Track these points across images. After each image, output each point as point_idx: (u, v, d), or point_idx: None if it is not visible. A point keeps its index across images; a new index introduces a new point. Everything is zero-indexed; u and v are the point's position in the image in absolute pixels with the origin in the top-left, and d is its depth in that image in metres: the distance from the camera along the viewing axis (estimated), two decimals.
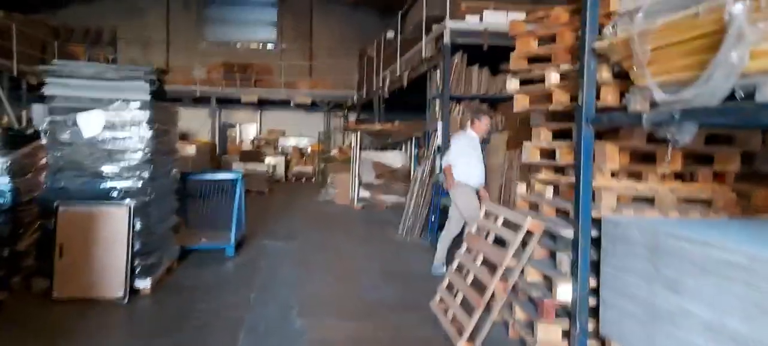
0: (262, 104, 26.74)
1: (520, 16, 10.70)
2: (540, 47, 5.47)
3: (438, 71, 10.87)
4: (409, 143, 15.08)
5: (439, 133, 10.32)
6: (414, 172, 10.79)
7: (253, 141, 25.92)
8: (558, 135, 5.57)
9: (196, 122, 24.69)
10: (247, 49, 28.66)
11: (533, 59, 5.58)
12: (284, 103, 26.10)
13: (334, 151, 19.96)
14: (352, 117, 25.75)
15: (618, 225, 4.06)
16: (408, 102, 16.90)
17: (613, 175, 4.73)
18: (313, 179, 22.77)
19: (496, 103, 11.15)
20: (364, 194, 14.52)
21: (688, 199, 4.71)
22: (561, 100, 5.15)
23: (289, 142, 26.05)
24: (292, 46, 28.63)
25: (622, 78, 4.49)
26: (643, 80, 3.82)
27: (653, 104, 3.90)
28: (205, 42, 28.10)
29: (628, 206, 4.61)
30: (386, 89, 16.23)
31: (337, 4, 28.13)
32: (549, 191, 5.19)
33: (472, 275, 5.27)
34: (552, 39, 5.40)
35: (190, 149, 17.15)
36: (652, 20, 3.62)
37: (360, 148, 15.19)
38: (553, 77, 5.17)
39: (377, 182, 14.50)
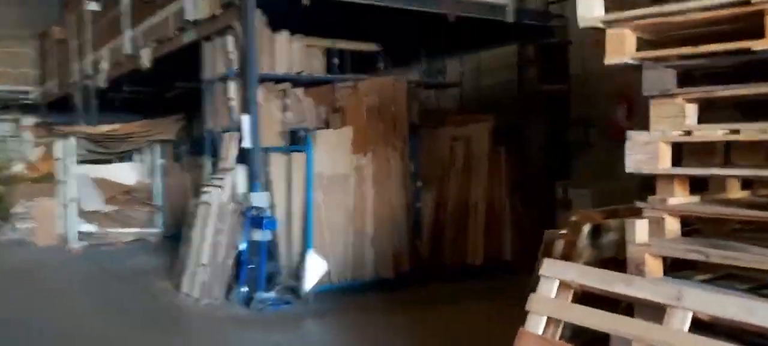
0: None
1: None
2: None
3: (229, 38, 7.08)
4: (152, 150, 10.72)
5: (247, 130, 6.60)
6: (200, 195, 6.86)
7: None
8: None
9: None
10: None
11: None
12: None
13: (20, 167, 14.00)
14: (29, 120, 19.39)
15: None
16: (140, 93, 12.39)
17: None
18: None
19: (308, 86, 7.83)
20: (88, 227, 9.75)
21: None
22: None
23: None
24: None
25: None
26: None
27: None
28: None
29: None
30: (104, 77, 11.49)
31: None
32: None
33: None
34: None
35: None
36: None
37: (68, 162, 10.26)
38: None
39: (107, 209, 9.87)
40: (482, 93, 9.25)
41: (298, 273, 6.36)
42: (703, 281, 2.70)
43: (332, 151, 6.74)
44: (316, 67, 7.83)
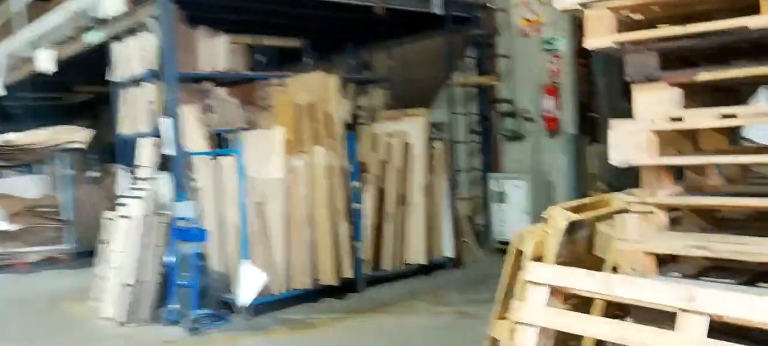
0: None
1: None
2: None
3: (142, 36, 6.52)
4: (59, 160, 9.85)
5: (168, 135, 6.07)
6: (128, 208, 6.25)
7: None
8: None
9: None
10: None
11: None
12: None
13: None
14: None
15: None
16: (40, 99, 11.41)
17: None
18: None
19: (232, 85, 7.36)
20: None
21: None
22: None
23: None
24: None
25: None
26: None
27: None
28: None
29: None
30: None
31: None
32: None
33: None
34: None
35: None
36: None
37: None
38: None
39: (9, 227, 8.97)
40: (411, 86, 9.03)
41: (233, 286, 5.91)
42: (692, 276, 2.56)
43: (263, 153, 6.30)
44: (240, 64, 7.35)
